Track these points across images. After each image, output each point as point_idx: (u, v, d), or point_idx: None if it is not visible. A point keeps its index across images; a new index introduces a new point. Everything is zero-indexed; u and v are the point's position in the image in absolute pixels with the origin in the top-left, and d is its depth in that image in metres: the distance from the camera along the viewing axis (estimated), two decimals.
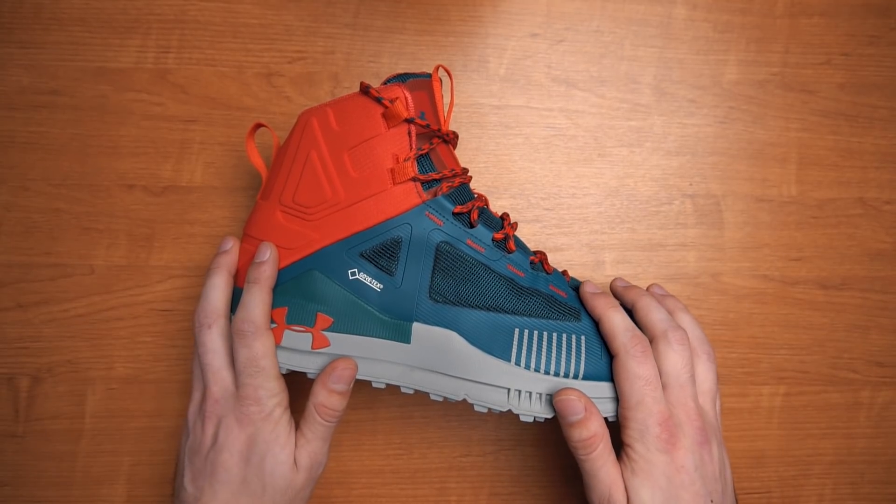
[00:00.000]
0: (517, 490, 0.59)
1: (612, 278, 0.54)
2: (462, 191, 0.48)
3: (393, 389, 0.58)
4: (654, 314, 0.48)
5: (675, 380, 0.45)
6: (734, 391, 0.60)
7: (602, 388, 0.46)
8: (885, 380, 0.61)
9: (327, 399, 0.47)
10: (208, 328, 0.48)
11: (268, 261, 0.47)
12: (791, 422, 0.60)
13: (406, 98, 0.46)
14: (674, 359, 0.46)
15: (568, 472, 0.59)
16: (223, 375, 0.48)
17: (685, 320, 0.50)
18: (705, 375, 0.48)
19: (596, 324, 0.47)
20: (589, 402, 0.45)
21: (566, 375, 0.46)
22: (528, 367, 0.46)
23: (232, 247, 0.50)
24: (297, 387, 0.57)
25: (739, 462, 0.60)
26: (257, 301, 0.47)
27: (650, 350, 0.46)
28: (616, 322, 0.46)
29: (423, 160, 0.47)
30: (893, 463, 0.61)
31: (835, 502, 0.60)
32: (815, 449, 0.60)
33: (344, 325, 0.46)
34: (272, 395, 0.47)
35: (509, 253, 0.48)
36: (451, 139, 0.49)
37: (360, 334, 0.46)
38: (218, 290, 0.49)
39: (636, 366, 0.45)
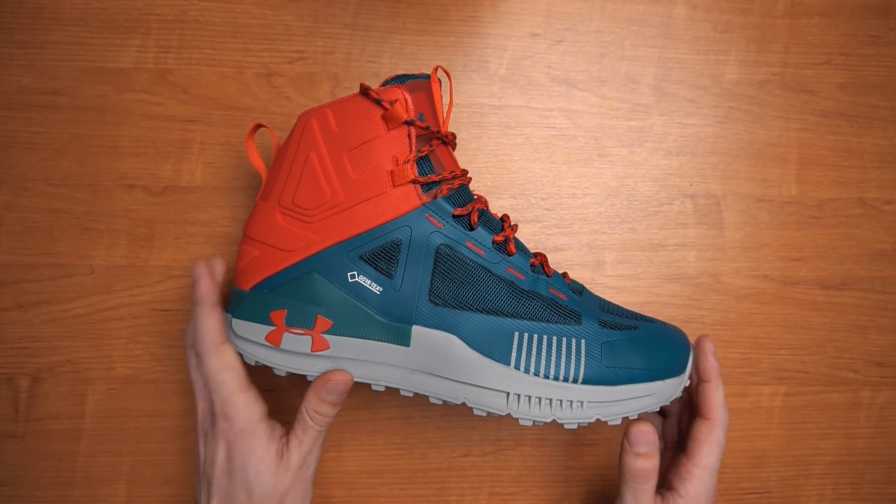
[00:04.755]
0: (517, 490, 0.59)
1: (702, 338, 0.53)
2: (462, 193, 0.48)
3: (393, 391, 0.58)
4: (712, 445, 0.51)
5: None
6: (734, 391, 0.60)
7: (601, 393, 0.46)
8: (885, 380, 0.61)
9: (318, 406, 0.48)
10: (192, 348, 0.50)
11: (198, 280, 0.49)
12: (791, 422, 0.60)
13: (406, 100, 0.46)
14: (698, 491, 0.50)
15: (568, 472, 0.59)
16: (205, 394, 0.49)
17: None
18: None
19: (598, 327, 0.47)
20: (657, 439, 0.49)
21: (566, 379, 0.46)
22: (527, 370, 0.46)
23: (201, 276, 0.50)
24: (297, 388, 0.57)
25: (739, 462, 0.60)
26: (201, 320, 0.48)
27: None
28: (721, 394, 0.51)
29: (423, 162, 0.47)
30: (893, 463, 0.61)
31: (835, 502, 0.60)
32: (815, 449, 0.60)
33: (343, 327, 0.46)
34: (240, 409, 0.48)
35: (509, 255, 0.48)
36: (450, 140, 0.49)
37: (359, 337, 0.46)
38: (199, 319, 0.49)
39: (723, 438, 0.50)
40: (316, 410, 0.48)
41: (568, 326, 0.47)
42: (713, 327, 0.60)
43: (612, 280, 0.60)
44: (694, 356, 0.51)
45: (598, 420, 0.47)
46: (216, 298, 0.50)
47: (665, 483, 0.51)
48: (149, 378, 0.58)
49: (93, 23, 0.58)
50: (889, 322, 0.61)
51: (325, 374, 0.48)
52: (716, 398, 0.50)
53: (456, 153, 0.59)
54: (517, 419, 0.47)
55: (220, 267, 0.52)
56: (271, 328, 0.47)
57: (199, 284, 0.49)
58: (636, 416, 0.48)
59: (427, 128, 0.46)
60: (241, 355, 0.49)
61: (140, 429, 0.58)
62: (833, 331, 0.61)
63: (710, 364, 0.51)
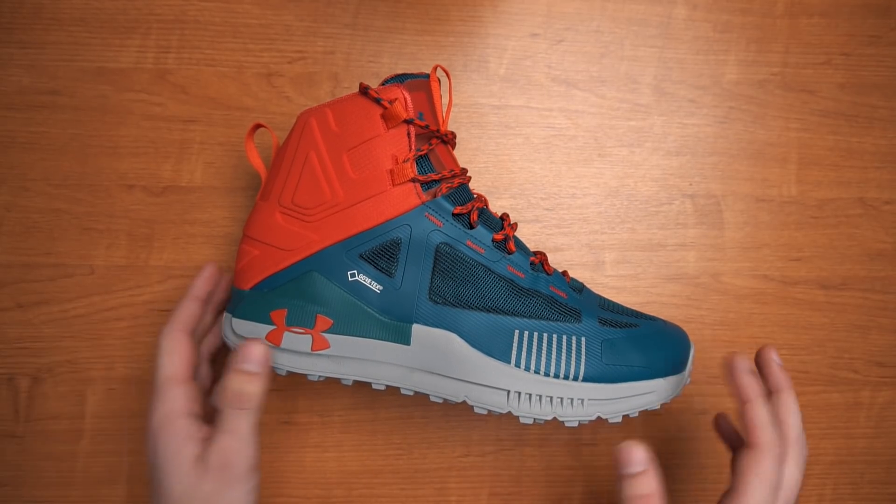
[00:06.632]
0: (517, 490, 0.59)
1: (764, 347, 0.51)
2: (461, 191, 0.48)
3: (393, 390, 0.58)
4: (794, 417, 0.47)
5: (786, 493, 0.45)
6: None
7: (601, 390, 0.46)
8: (885, 380, 0.61)
9: (233, 379, 0.44)
10: None
11: (199, 275, 0.52)
12: None
13: (405, 99, 0.46)
14: (794, 474, 0.46)
15: (568, 472, 0.59)
16: None
17: (794, 416, 0.48)
18: (797, 479, 0.47)
19: (598, 324, 0.47)
20: (651, 460, 0.43)
21: (566, 377, 0.46)
22: (527, 368, 0.46)
23: (203, 273, 0.52)
24: (296, 389, 0.57)
25: None
26: (179, 304, 0.50)
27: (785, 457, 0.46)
28: (765, 414, 0.45)
29: (423, 161, 0.47)
30: (893, 463, 0.61)
31: (835, 502, 0.60)
32: (815, 449, 0.60)
33: (344, 326, 0.46)
34: (165, 398, 0.45)
35: (509, 254, 0.48)
36: (449, 139, 0.49)
37: (359, 336, 0.46)
38: (179, 303, 0.51)
39: (773, 468, 0.44)
40: (229, 386, 0.44)
41: (568, 324, 0.47)
42: (713, 327, 0.60)
43: (612, 280, 0.60)
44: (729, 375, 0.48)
45: (598, 418, 0.47)
46: (202, 294, 0.51)
47: None
48: (149, 378, 0.57)
49: (93, 23, 0.58)
50: (889, 322, 0.61)
51: (242, 343, 0.46)
52: (756, 419, 0.45)
53: (456, 153, 0.59)
54: (518, 417, 0.47)
55: (221, 280, 0.54)
56: (271, 327, 0.47)
57: (197, 277, 0.51)
58: (637, 415, 0.48)
59: (426, 127, 0.47)
60: (191, 353, 0.49)
61: (140, 429, 0.57)
62: (833, 331, 0.61)
63: (742, 382, 0.46)
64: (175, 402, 0.45)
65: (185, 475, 0.43)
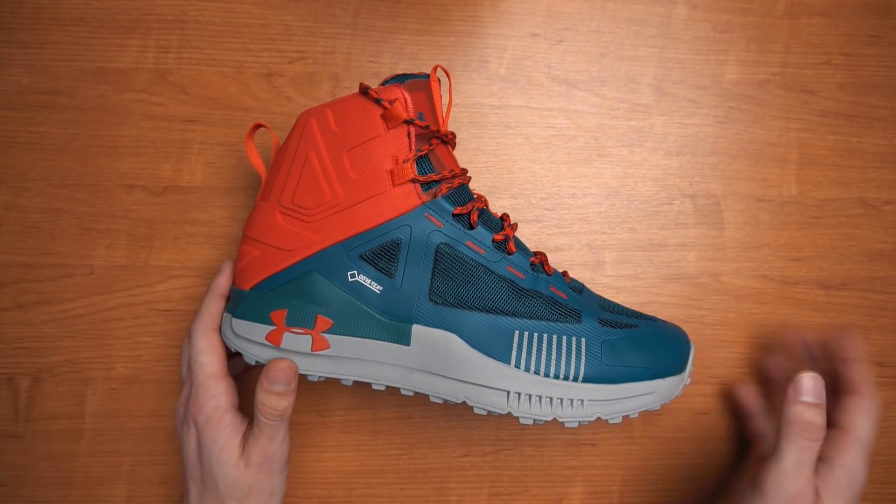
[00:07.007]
0: (517, 490, 0.59)
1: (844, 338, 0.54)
2: (461, 192, 0.48)
3: (393, 390, 0.58)
4: (867, 419, 0.50)
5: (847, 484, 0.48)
6: None
7: (601, 391, 0.46)
8: (885, 380, 0.61)
9: (266, 399, 0.47)
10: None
11: (220, 272, 0.52)
12: None
13: (405, 99, 0.46)
14: (855, 465, 0.48)
15: (568, 472, 0.59)
16: (189, 378, 0.51)
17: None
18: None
19: (598, 325, 0.47)
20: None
21: (566, 378, 0.46)
22: (527, 369, 0.46)
23: (224, 269, 0.53)
24: (298, 388, 0.57)
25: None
26: (205, 303, 0.51)
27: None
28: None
29: (423, 161, 0.47)
30: (893, 463, 0.61)
31: None
32: None
33: (344, 327, 0.46)
34: (210, 395, 0.49)
35: (509, 254, 0.48)
36: (449, 140, 0.49)
37: (360, 336, 0.46)
38: (204, 303, 0.52)
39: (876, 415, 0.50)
40: (263, 403, 0.47)
41: (568, 325, 0.47)
42: (713, 327, 0.60)
43: (612, 280, 0.60)
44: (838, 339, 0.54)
45: (598, 418, 0.47)
46: (225, 292, 0.52)
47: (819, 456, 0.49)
48: (149, 378, 0.58)
49: (93, 23, 0.58)
50: (889, 322, 0.61)
51: (268, 364, 0.48)
52: (866, 375, 0.51)
53: (456, 153, 0.59)
54: (518, 418, 0.47)
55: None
56: (271, 328, 0.47)
57: (219, 275, 0.52)
58: (636, 415, 0.48)
59: (426, 127, 0.46)
60: (226, 345, 0.51)
61: (140, 429, 0.58)
62: None
63: (860, 345, 0.53)
64: (221, 397, 0.49)
65: (233, 467, 0.47)
